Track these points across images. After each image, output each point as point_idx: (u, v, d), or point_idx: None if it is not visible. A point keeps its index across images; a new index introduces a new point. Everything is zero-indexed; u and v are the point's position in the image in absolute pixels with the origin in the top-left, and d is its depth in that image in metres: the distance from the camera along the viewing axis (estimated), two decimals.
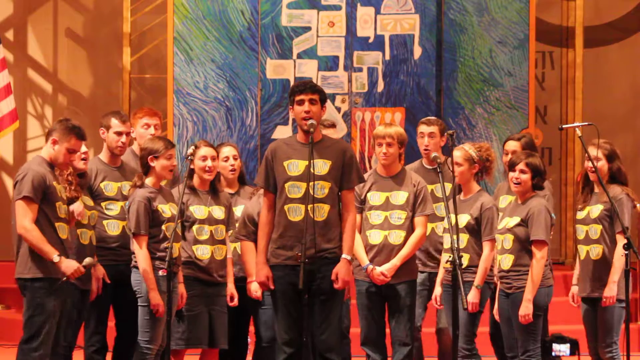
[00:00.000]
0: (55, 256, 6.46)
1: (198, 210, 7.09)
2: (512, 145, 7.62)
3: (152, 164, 6.96)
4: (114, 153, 7.38)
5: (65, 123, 6.65)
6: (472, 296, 7.08)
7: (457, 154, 7.24)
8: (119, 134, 7.35)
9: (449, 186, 7.36)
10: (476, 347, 7.16)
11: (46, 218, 6.50)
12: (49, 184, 6.52)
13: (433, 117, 8.06)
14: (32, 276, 6.46)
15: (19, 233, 6.47)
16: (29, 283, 6.47)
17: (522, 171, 7.01)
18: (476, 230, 7.20)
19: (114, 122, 7.36)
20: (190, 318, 7.01)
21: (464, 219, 7.19)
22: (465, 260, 7.06)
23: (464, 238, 7.18)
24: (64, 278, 6.53)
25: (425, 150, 7.74)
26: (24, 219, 6.44)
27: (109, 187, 7.30)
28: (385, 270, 7.10)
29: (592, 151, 7.09)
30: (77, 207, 6.82)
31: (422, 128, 7.78)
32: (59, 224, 6.56)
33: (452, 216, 6.79)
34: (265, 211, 6.64)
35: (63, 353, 6.85)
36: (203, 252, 7.08)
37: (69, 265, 6.51)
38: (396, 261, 7.13)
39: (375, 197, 7.21)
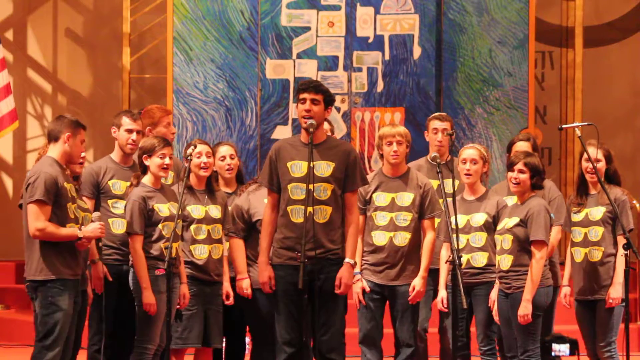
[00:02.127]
0: (78, 232, 6.51)
1: (195, 210, 7.08)
2: (524, 146, 7.47)
3: (146, 162, 6.96)
4: (125, 152, 7.39)
5: (67, 119, 6.62)
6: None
7: (473, 152, 7.21)
8: (130, 131, 7.35)
9: (448, 182, 7.33)
10: (496, 347, 7.17)
11: (57, 221, 6.47)
12: (60, 186, 6.48)
13: (444, 113, 8.01)
14: (43, 278, 6.44)
15: (33, 236, 6.43)
16: (40, 284, 6.46)
17: (520, 171, 6.99)
18: (493, 229, 7.17)
19: (125, 120, 7.38)
20: (188, 317, 7.01)
21: (480, 218, 7.16)
22: (484, 259, 7.10)
23: (483, 237, 7.15)
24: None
25: (439, 145, 7.67)
26: (37, 221, 6.40)
27: (117, 186, 7.29)
28: (419, 287, 7.09)
29: (592, 151, 7.08)
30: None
31: (436, 124, 7.72)
32: (69, 225, 6.54)
33: (454, 217, 6.78)
34: (269, 211, 6.61)
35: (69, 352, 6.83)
36: (201, 252, 7.08)
37: (94, 229, 6.57)
38: (423, 273, 7.12)
39: (381, 198, 7.18)
